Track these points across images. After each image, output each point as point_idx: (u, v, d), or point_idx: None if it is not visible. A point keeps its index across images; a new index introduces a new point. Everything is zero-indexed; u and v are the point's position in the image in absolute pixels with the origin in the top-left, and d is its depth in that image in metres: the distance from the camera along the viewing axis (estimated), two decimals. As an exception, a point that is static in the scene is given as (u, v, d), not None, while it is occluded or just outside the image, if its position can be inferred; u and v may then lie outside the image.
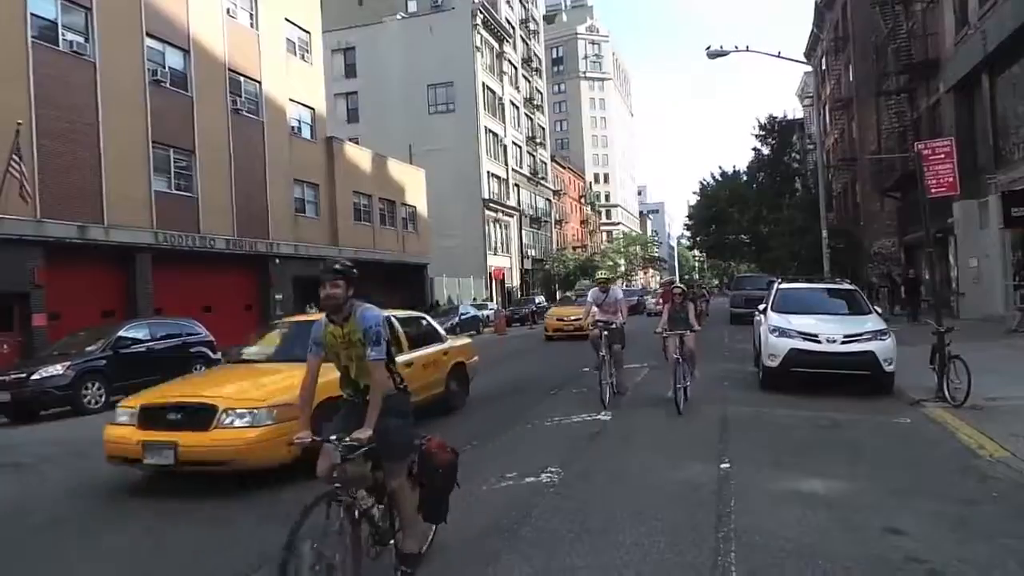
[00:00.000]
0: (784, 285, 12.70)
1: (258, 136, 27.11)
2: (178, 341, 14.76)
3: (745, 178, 50.95)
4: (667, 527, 4.95)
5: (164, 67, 22.77)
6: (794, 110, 56.76)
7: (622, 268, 76.91)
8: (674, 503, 5.52)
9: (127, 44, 21.32)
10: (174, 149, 23.23)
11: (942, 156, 10.40)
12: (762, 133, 48.71)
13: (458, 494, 4.55)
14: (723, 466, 6.54)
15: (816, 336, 10.15)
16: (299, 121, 30.43)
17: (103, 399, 12.62)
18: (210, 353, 15.40)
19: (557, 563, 4.40)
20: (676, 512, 5.29)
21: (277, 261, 27.59)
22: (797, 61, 31.41)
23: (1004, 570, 4.11)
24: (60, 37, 19.31)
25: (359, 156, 35.33)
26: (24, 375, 12.19)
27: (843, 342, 10.00)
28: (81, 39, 19.89)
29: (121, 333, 13.77)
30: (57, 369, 12.22)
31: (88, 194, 19.90)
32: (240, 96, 26.22)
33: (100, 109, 20.19)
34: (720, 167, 60.89)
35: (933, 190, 10.43)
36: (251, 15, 27.41)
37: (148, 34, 22.12)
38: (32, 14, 18.37)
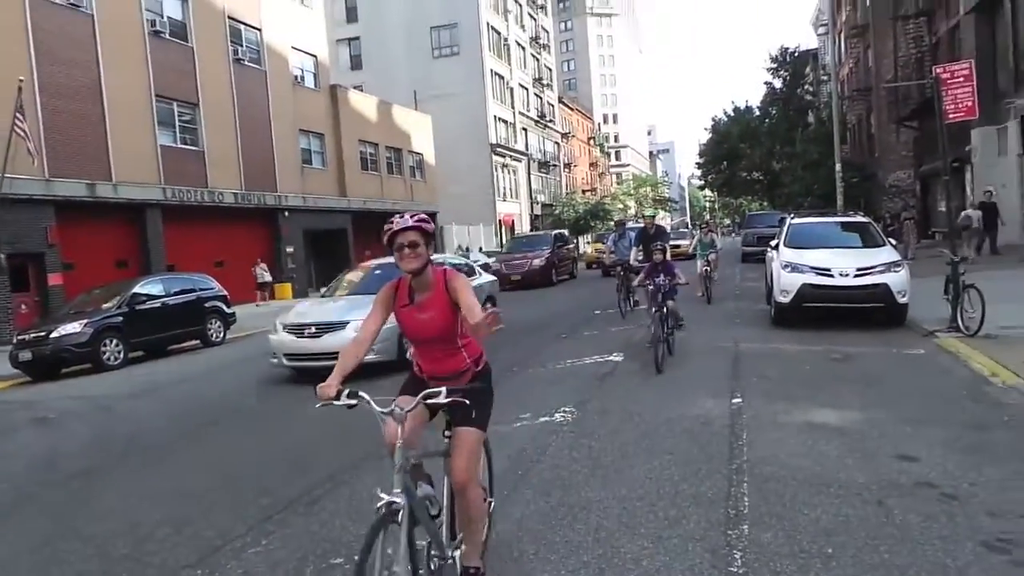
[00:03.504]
0: (796, 220, 12.53)
1: (261, 86, 26.74)
2: (192, 296, 14.89)
3: (758, 113, 49.81)
4: (679, 461, 5.02)
5: (162, 16, 22.35)
6: (807, 41, 55.08)
7: (632, 211, 76.24)
8: (686, 438, 5.59)
9: (123, -6, 20.88)
10: (177, 102, 22.99)
11: (961, 79, 10.02)
12: (774, 66, 47.40)
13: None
14: (735, 401, 6.59)
15: (829, 270, 10.06)
16: (302, 70, 29.94)
17: (121, 355, 12.84)
18: (224, 307, 15.55)
19: (573, 497, 4.49)
20: (688, 446, 5.36)
21: (286, 214, 27.58)
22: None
23: (1016, 492, 4.15)
24: (55, -10, 18.94)
25: (364, 104, 34.83)
26: (44, 334, 12.40)
27: (856, 275, 9.91)
28: (76, -9, 19.49)
29: (136, 290, 13.90)
30: (75, 327, 12.40)
31: (94, 151, 19.84)
32: (241, 45, 25.77)
33: (101, 63, 19.95)
34: (733, 102, 59.36)
35: (951, 115, 10.08)
36: (246, -40, 26.67)
37: (143, -17, 21.64)
38: (25, -32, 17.99)
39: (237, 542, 4.20)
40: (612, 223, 20.00)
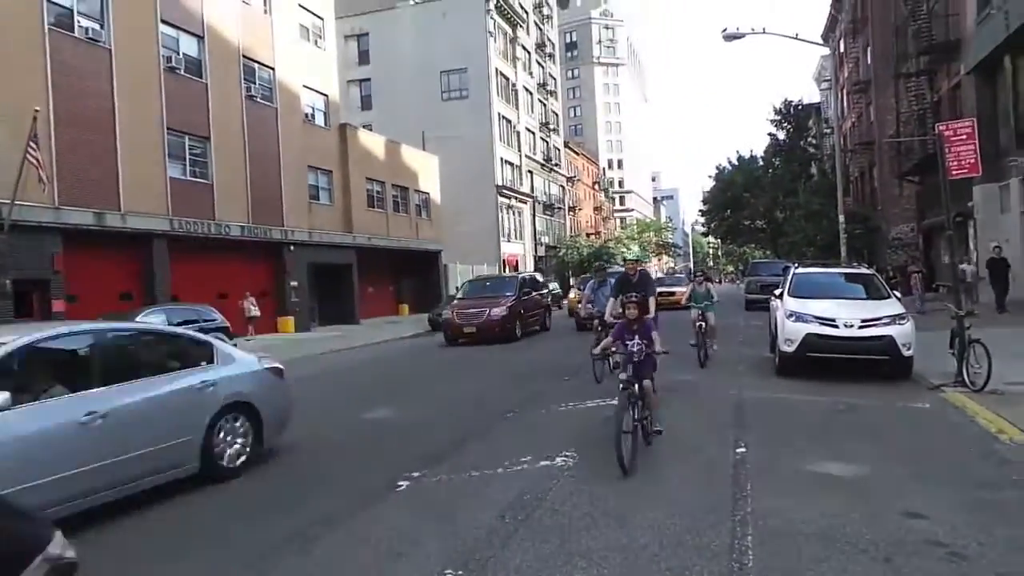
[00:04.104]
0: (800, 270, 12.57)
1: (272, 123, 27.17)
2: (195, 327, 14.85)
3: (761, 163, 50.46)
4: (682, 510, 4.93)
5: (179, 53, 22.85)
6: (810, 95, 56.10)
7: (634, 254, 76.59)
8: (689, 486, 5.50)
9: (142, 30, 21.42)
10: (189, 136, 23.34)
11: (964, 136, 10.19)
12: (778, 118, 48.24)
13: (473, 475, 4.53)
14: (739, 450, 6.51)
15: (833, 321, 10.04)
16: (312, 108, 30.46)
17: (122, 384, 12.73)
18: (225, 339, 15.49)
19: (572, 545, 4.40)
20: (692, 495, 5.28)
21: (291, 248, 27.72)
22: (814, 43, 30.98)
23: (1026, 554, 4.06)
24: (76, 24, 19.44)
25: (372, 143, 35.33)
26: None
27: (861, 326, 9.89)
28: (96, 25, 19.99)
29: (139, 319, 13.89)
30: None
31: (104, 180, 20.07)
32: (254, 83, 26.28)
33: (116, 95, 20.32)
34: (737, 151, 60.33)
35: (954, 171, 10.22)
36: (264, 0, 27.40)
37: (163, 20, 22.22)
38: (48, 1, 18.49)
39: None
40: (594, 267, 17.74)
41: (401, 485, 5.86)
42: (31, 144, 15.99)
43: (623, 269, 12.56)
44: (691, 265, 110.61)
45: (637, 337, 6.32)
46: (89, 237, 19.46)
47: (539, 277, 25.74)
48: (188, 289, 21.69)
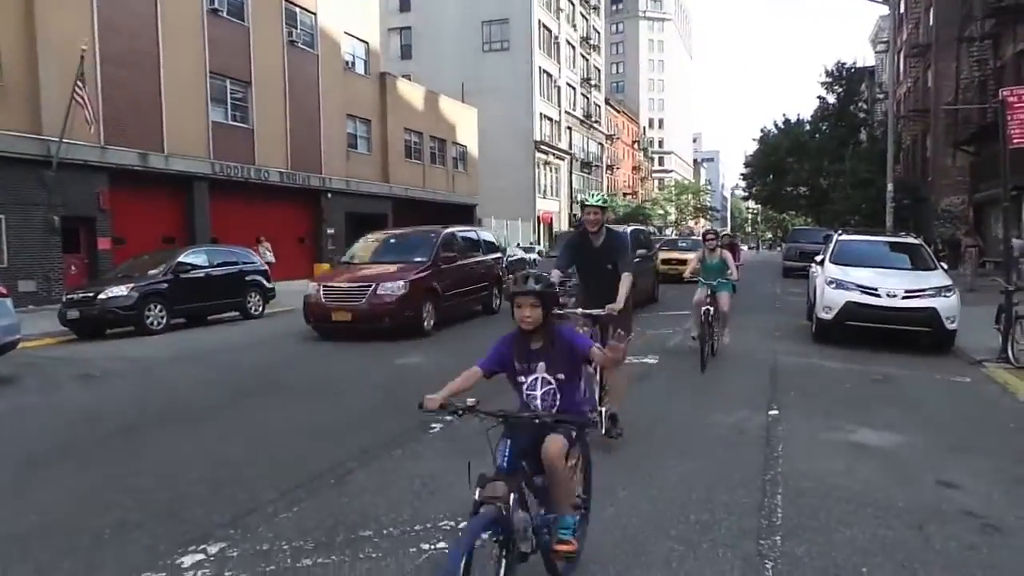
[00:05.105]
0: (844, 236, 12.28)
1: (313, 69, 27.09)
2: (235, 269, 15.14)
3: (808, 127, 48.89)
4: (712, 467, 4.95)
5: (222, -5, 22.78)
6: (864, 58, 53.87)
7: (672, 216, 75.54)
8: (720, 445, 5.51)
9: (186, -29, 21.33)
10: (231, 80, 23.42)
11: (1028, 105, 9.72)
12: (829, 80, 46.43)
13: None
14: (771, 412, 6.48)
15: (875, 290, 9.83)
16: (353, 55, 30.26)
17: (164, 321, 13.13)
18: (264, 282, 15.79)
19: (603, 493, 4.45)
20: (722, 454, 5.29)
21: (329, 196, 27.92)
22: (875, 1, 29.60)
23: (1063, 529, 4.00)
24: (122, -37, 19.43)
25: (412, 93, 35.07)
26: (91, 295, 12.73)
27: (904, 297, 9.67)
28: (142, -35, 19.96)
29: (181, 258, 14.18)
30: (122, 290, 12.71)
31: (148, 122, 20.31)
32: (296, 28, 26.14)
33: (160, 37, 20.41)
34: (784, 115, 58.46)
35: (1016, 139, 9.77)
36: (307, -56, 27.05)
37: (206, -39, 22.08)
38: (95, -62, 18.49)
39: (268, 507, 4.26)
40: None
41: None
42: (78, 83, 16.24)
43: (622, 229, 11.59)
44: (727, 229, 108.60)
45: (544, 371, 3.14)
46: (134, 178, 19.82)
47: (484, 235, 16.58)
48: (227, 232, 22.03)
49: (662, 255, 21.52)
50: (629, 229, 15.47)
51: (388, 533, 3.88)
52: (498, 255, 16.39)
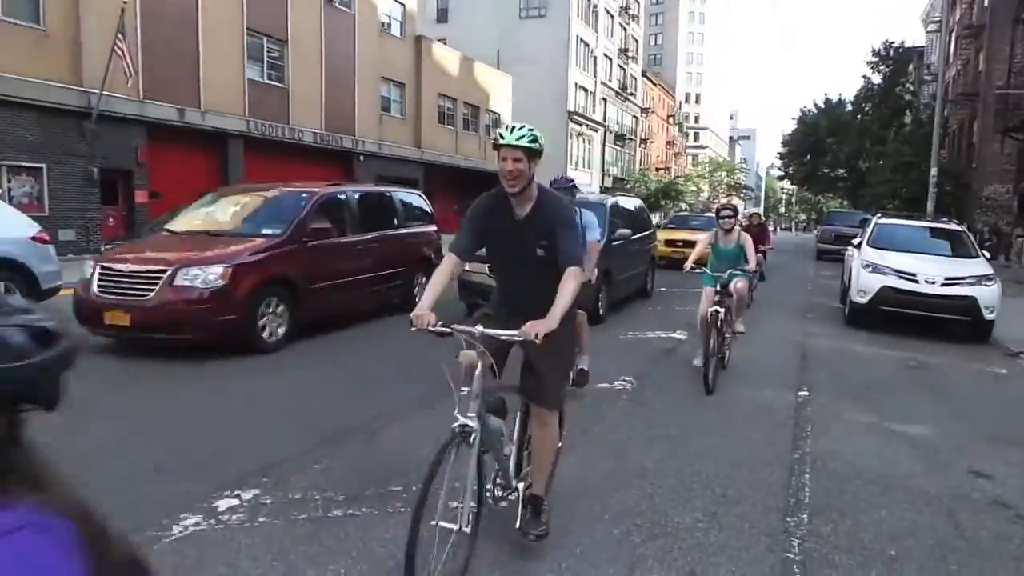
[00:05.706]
0: (883, 220, 12.01)
1: (349, 30, 26.93)
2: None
3: (850, 107, 47.58)
4: (739, 442, 4.94)
5: (261, -48, 22.64)
6: (914, 39, 52.04)
7: (705, 194, 74.48)
8: (748, 421, 5.49)
9: (227, -74, 21.22)
10: (267, 38, 23.40)
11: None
12: (875, 60, 45.00)
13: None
14: (801, 393, 6.42)
15: (913, 275, 9.62)
16: (389, 17, 30.00)
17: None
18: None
19: (630, 463, 4.47)
20: (750, 429, 5.26)
21: (361, 158, 27.95)
22: (929, -22, 28.45)
23: (1099, 524, 3.92)
24: (163, -84, 19.37)
25: (447, 58, 34.74)
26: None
27: (943, 284, 9.45)
28: (183, -82, 19.89)
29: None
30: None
31: (186, 77, 20.42)
32: (333, -14, 25.94)
33: (200, -8, 20.42)
34: (825, 94, 56.93)
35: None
36: (348, -99, 26.71)
37: (247, -84, 21.93)
38: None
39: (300, 459, 4.34)
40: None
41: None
42: (119, 36, 16.36)
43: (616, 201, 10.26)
44: (759, 211, 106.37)
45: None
46: (171, 133, 20.00)
47: (398, 197, 11.31)
48: (261, 191, 22.21)
49: (666, 235, 18.50)
50: (610, 201, 11.13)
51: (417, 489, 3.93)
52: (417, 229, 11.04)
